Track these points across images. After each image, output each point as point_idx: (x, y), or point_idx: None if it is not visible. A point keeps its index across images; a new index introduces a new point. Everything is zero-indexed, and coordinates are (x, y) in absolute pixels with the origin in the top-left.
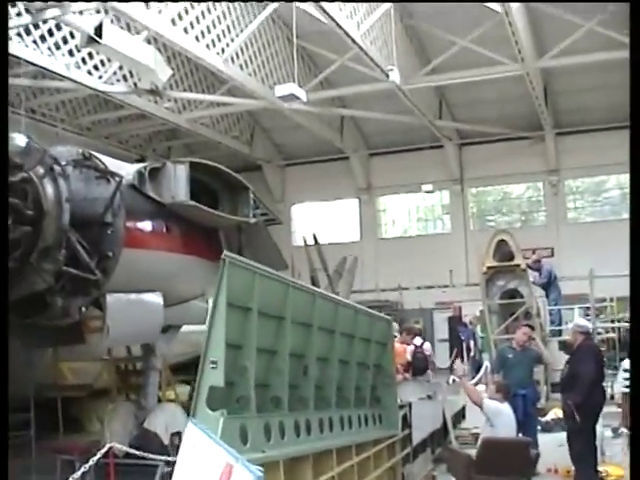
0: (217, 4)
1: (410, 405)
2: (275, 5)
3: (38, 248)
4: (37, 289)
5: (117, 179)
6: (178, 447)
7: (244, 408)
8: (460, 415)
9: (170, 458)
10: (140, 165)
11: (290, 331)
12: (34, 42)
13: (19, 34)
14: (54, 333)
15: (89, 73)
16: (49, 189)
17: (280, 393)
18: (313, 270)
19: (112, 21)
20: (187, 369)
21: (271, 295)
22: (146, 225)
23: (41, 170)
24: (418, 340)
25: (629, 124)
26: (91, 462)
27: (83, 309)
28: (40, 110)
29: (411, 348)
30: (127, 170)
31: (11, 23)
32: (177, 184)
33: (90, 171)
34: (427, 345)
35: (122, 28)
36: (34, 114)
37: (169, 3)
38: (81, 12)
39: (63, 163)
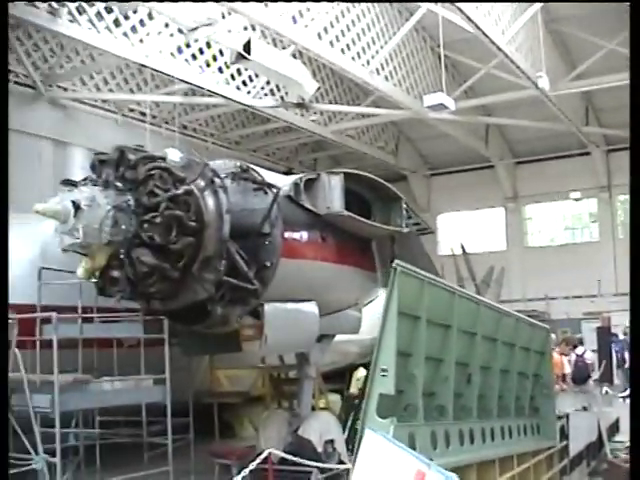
0: (362, 17)
1: (567, 416)
2: (419, 15)
3: (200, 258)
4: (198, 298)
5: (274, 190)
6: (331, 455)
7: (411, 416)
8: (614, 427)
9: (324, 465)
10: (296, 176)
11: (456, 339)
12: (186, 61)
13: (172, 54)
14: (212, 341)
15: (238, 88)
16: (210, 201)
17: (445, 401)
18: (460, 280)
19: (260, 37)
20: (337, 378)
21: (438, 303)
22: (302, 235)
23: (202, 183)
24: (580, 349)
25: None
26: (251, 467)
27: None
28: (191, 125)
29: (570, 358)
30: (283, 182)
31: (165, 43)
32: (332, 195)
33: (248, 183)
34: (589, 354)
35: (269, 44)
36: (185, 129)
37: (315, 17)
38: (229, 30)
39: (222, 176)
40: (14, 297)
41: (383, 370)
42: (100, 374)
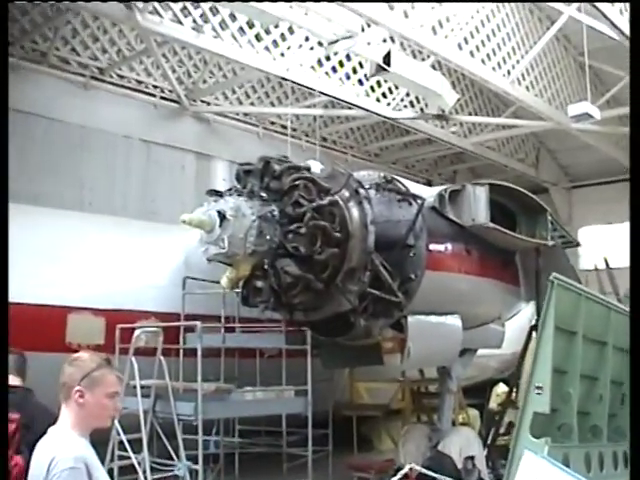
0: (502, 26)
1: None
2: (560, 23)
3: (344, 269)
4: (342, 310)
5: (419, 201)
6: (471, 471)
7: (565, 436)
8: None
9: None
10: (440, 188)
11: (611, 357)
12: (326, 74)
13: (312, 67)
14: (354, 354)
15: (377, 100)
16: (354, 212)
17: (599, 422)
18: (604, 294)
19: (399, 49)
20: (474, 392)
21: (594, 318)
22: (447, 247)
23: (346, 193)
24: None
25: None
26: None
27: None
28: (331, 138)
29: None
30: (426, 193)
31: (306, 56)
32: (477, 206)
33: (392, 194)
34: None
35: (408, 55)
36: (325, 142)
37: (455, 28)
38: (369, 43)
39: (366, 186)
40: (159, 305)
41: (538, 388)
42: (241, 384)
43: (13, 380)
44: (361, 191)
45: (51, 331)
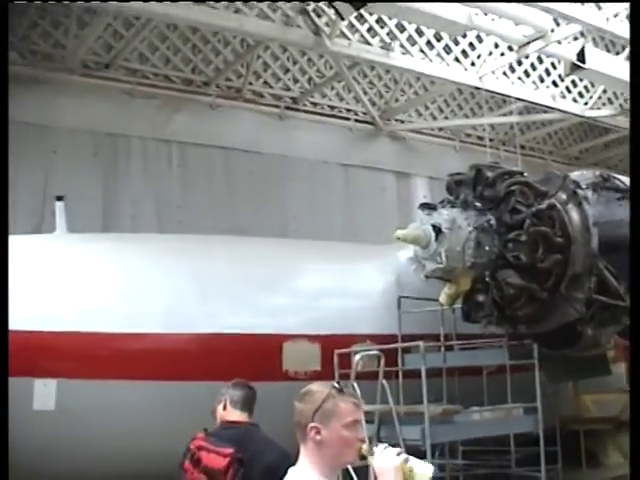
0: None
1: None
2: None
3: (568, 277)
4: (568, 319)
5: None
6: None
7: None
8: None
9: None
10: None
11: None
12: (519, 79)
13: (505, 73)
14: (579, 365)
15: (574, 101)
16: (574, 215)
17: None
18: None
19: (591, 44)
20: None
21: None
22: None
23: (563, 196)
24: None
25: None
26: None
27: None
28: (529, 145)
29: None
30: None
31: (497, 63)
32: None
33: (610, 193)
34: None
35: (601, 50)
36: (523, 149)
37: None
38: (559, 41)
39: (584, 187)
40: (374, 328)
41: None
42: (462, 403)
43: (240, 416)
44: (579, 192)
45: (267, 360)
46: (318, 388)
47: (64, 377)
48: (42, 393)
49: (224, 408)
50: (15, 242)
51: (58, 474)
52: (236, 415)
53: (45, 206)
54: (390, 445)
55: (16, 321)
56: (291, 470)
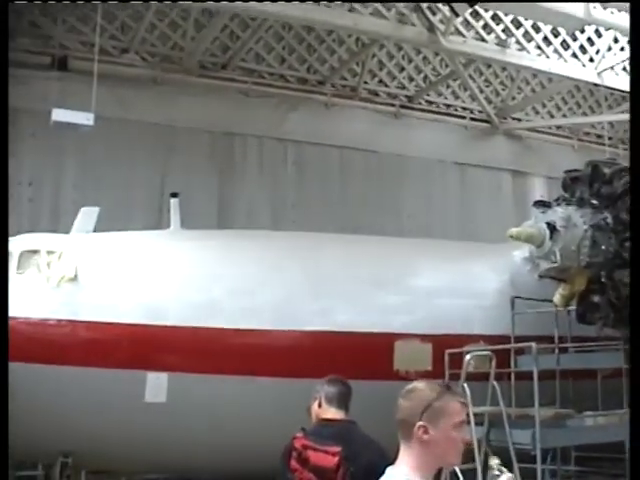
0: None
1: None
2: None
3: None
4: None
5: None
6: None
7: None
8: None
9: None
10: None
11: None
12: None
13: (624, 69)
14: None
15: None
16: None
17: None
18: None
19: None
20: None
21: None
22: None
23: None
24: None
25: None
26: None
27: None
28: None
29: None
30: None
31: (616, 58)
32: None
33: None
34: None
35: None
36: None
37: None
38: None
39: None
40: (487, 328)
41: None
42: (576, 407)
43: (335, 413)
44: None
45: (378, 359)
46: (427, 386)
47: (176, 371)
48: (154, 386)
49: (319, 405)
50: (130, 237)
51: (168, 465)
52: (332, 413)
53: (162, 203)
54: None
55: (130, 315)
56: (389, 469)
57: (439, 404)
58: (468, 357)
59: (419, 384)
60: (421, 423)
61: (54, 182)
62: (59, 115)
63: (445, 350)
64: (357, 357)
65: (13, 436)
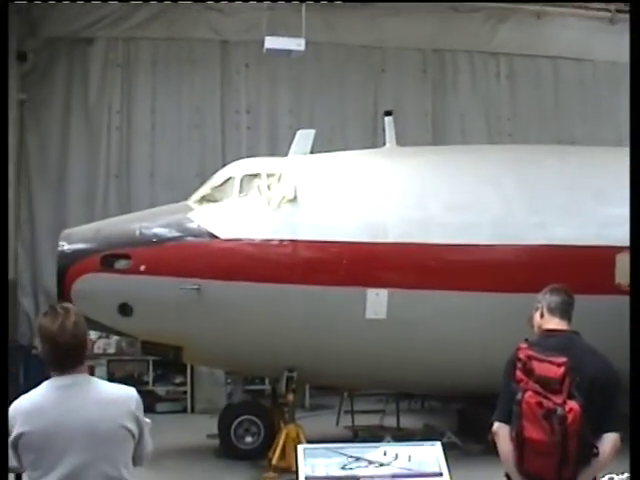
0: None
1: None
2: None
3: None
4: None
5: None
6: None
7: None
8: None
9: None
10: None
11: None
12: None
13: None
14: None
15: None
16: None
17: None
18: None
19: None
20: None
21: None
22: None
23: None
24: None
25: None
26: None
27: None
28: None
29: None
30: None
31: None
32: None
33: None
34: None
35: None
36: None
37: None
38: None
39: None
40: None
41: None
42: None
43: (558, 323)
44: None
45: (599, 273)
46: None
47: (395, 287)
48: (374, 302)
49: (541, 316)
50: (346, 157)
51: (387, 381)
52: (555, 323)
53: (376, 123)
54: None
55: (350, 233)
56: None
57: None
58: None
59: None
60: None
61: (270, 109)
62: (271, 42)
63: None
64: (577, 271)
65: (243, 353)
